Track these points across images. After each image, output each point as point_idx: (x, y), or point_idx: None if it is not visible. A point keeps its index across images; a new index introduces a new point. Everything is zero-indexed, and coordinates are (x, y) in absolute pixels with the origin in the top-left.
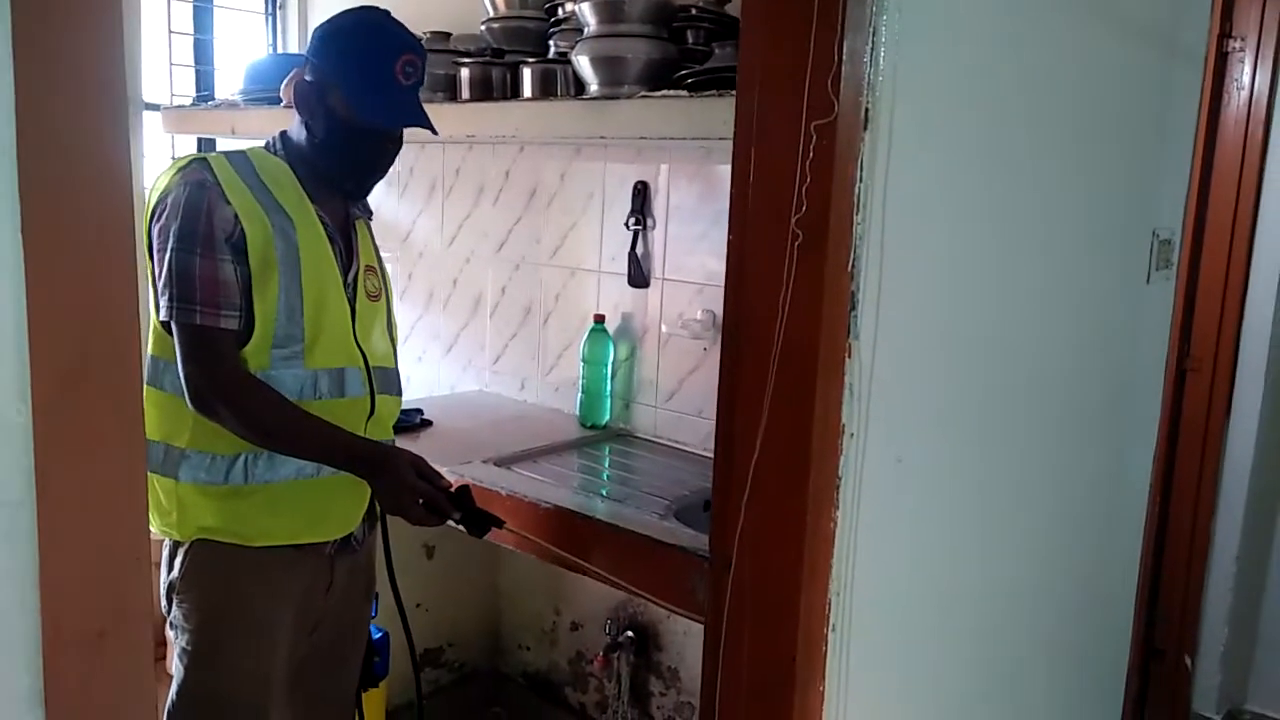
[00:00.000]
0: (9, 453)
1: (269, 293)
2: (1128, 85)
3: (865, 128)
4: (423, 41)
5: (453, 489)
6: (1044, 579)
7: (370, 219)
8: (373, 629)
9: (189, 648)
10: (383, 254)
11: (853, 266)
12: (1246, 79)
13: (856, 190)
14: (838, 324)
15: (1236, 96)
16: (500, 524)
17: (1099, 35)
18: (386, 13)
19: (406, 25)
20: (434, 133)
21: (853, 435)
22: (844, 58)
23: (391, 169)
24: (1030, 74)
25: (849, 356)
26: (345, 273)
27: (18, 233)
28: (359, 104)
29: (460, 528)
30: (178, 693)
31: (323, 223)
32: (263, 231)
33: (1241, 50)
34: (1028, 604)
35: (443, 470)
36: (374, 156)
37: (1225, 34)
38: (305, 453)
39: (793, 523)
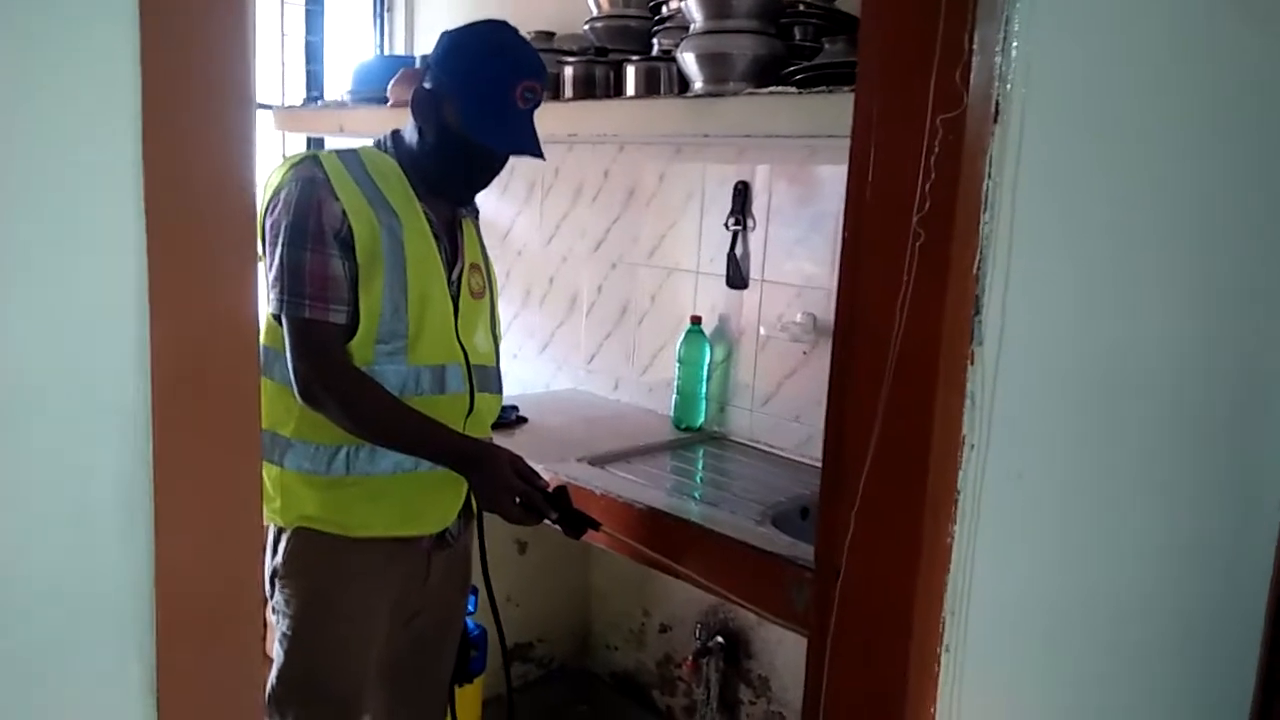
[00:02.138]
0: (127, 438)
1: (374, 288)
2: (1267, 69)
3: (995, 121)
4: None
5: (550, 489)
6: (1167, 604)
7: (477, 218)
8: (470, 624)
9: (289, 633)
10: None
11: (978, 268)
12: None
13: (985, 187)
14: (961, 329)
15: None
16: (596, 526)
17: (1235, 20)
18: (515, 31)
19: (516, 27)
20: (543, 159)
21: (973, 447)
22: (974, 48)
23: None
24: (1165, 65)
25: (971, 364)
26: (450, 270)
27: (142, 228)
28: (474, 123)
29: (556, 527)
30: (277, 677)
31: (429, 221)
32: (370, 228)
33: None
34: (1145, 632)
35: (538, 468)
36: (481, 172)
37: None
38: (405, 447)
39: (908, 535)
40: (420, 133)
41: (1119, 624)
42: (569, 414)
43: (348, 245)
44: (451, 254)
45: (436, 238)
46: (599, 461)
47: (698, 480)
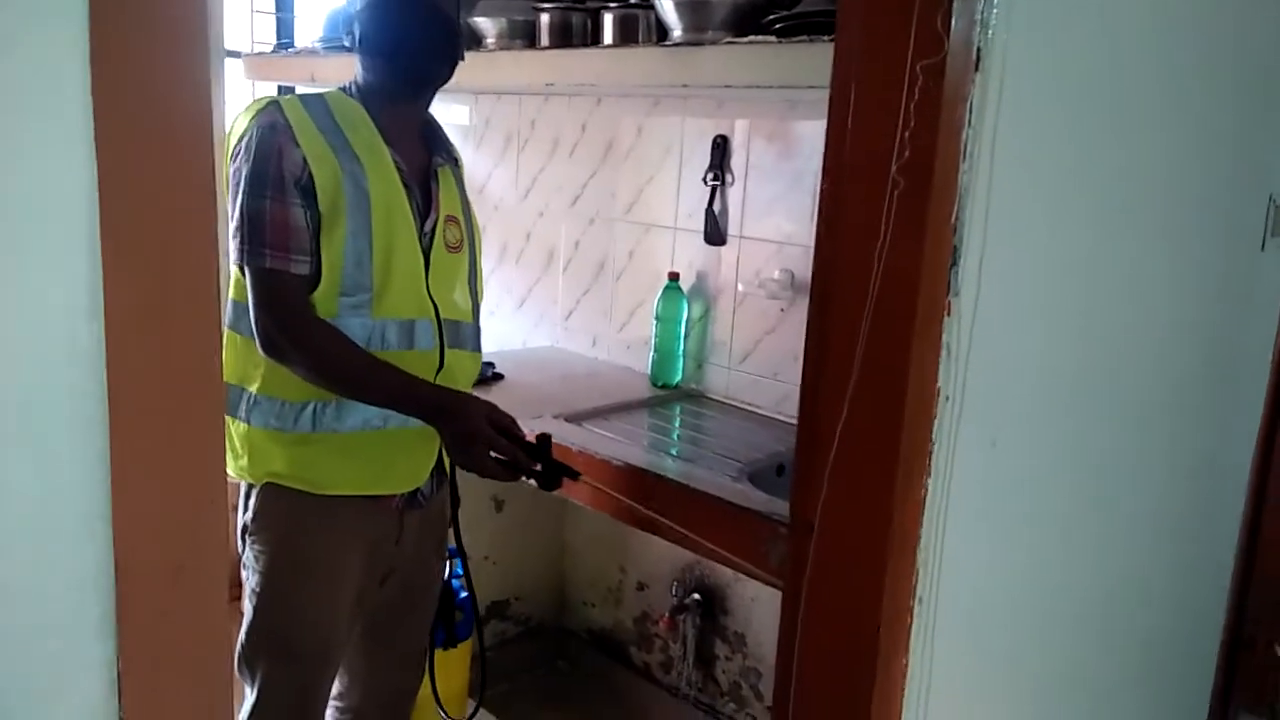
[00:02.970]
0: (77, 374)
1: (336, 238)
2: (1242, 40)
3: (976, 69)
4: None
5: (531, 439)
6: (1134, 564)
7: (458, 168)
8: (456, 586)
9: (257, 589)
10: None
11: (956, 218)
12: None
13: (964, 136)
14: (938, 279)
15: None
16: (576, 475)
17: None
18: None
19: None
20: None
21: (948, 399)
22: None
23: (468, 118)
24: (1145, 17)
25: (948, 315)
26: (422, 221)
27: (94, 173)
28: (384, 12)
29: (532, 481)
30: (246, 633)
31: (399, 169)
32: (332, 175)
33: None
34: (1116, 589)
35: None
36: (421, 35)
37: None
38: (373, 397)
39: (882, 488)
40: (360, 49)
41: (1089, 582)
42: (546, 371)
43: (309, 193)
44: (425, 204)
45: (407, 187)
46: (576, 418)
47: (675, 437)
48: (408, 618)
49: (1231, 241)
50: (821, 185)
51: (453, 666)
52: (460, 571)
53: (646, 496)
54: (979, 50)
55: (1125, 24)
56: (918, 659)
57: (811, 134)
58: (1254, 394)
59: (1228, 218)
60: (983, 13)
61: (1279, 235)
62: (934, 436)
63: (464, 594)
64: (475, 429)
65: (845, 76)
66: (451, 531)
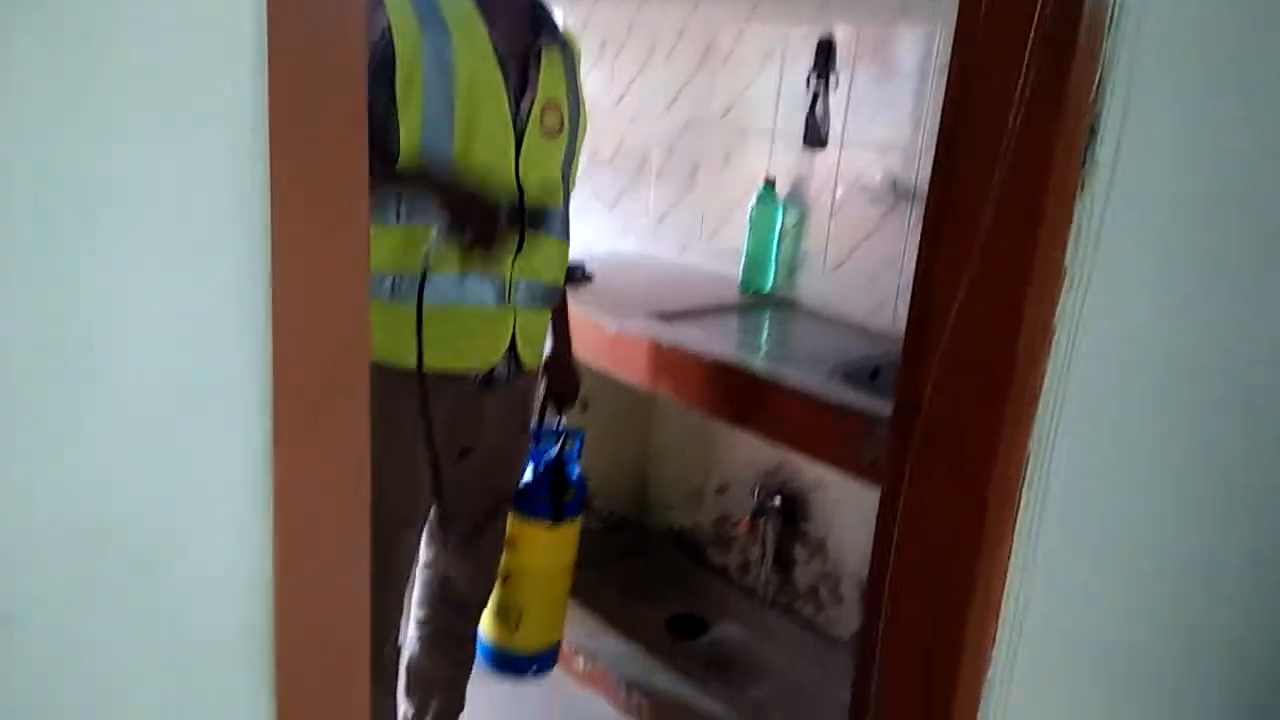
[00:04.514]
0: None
1: (412, 112)
2: None
3: None
4: None
5: None
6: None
7: (567, 52)
8: (573, 469)
9: None
10: None
11: (1098, 87)
12: None
13: (1110, 9)
14: (1072, 153)
15: None
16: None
17: None
18: None
19: None
20: None
21: (1073, 284)
22: None
23: (562, 22)
24: None
25: (1081, 190)
26: (517, 102)
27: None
28: None
29: None
30: None
31: (494, 46)
32: (413, 45)
33: None
34: (1219, 532)
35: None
36: None
37: None
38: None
39: (1000, 369)
40: None
41: (1186, 554)
42: (635, 274)
43: (386, 65)
44: (521, 86)
45: (502, 65)
46: (665, 317)
47: (764, 340)
48: (482, 491)
49: None
50: (947, 86)
51: (562, 542)
52: (577, 451)
53: (735, 394)
54: None
55: None
56: (1020, 553)
57: (920, 39)
58: None
59: None
60: None
61: None
62: (1055, 322)
63: (576, 475)
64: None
65: None
66: (577, 409)
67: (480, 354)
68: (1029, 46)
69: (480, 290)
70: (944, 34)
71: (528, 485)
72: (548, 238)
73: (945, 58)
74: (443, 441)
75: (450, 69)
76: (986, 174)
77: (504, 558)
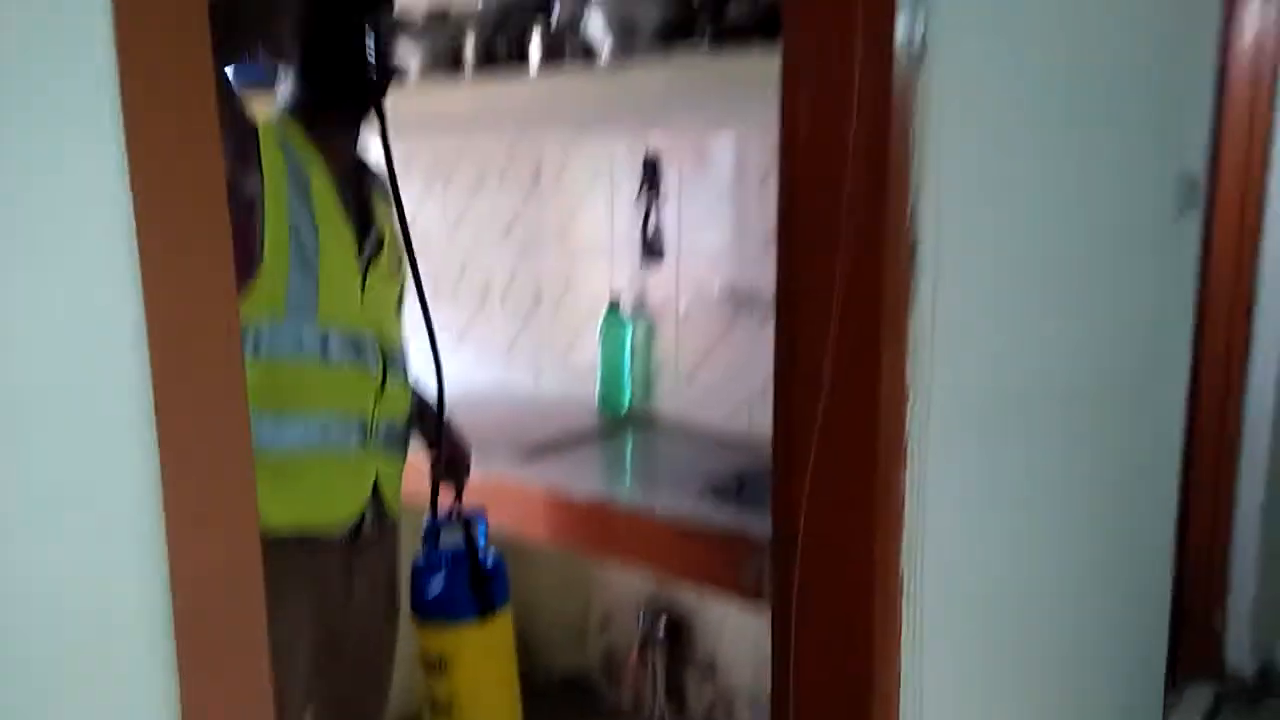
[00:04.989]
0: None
1: (277, 270)
2: (1151, 26)
3: (919, 72)
4: (421, 24)
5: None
6: (1089, 546)
7: (384, 191)
8: (487, 552)
9: None
10: None
11: (912, 212)
12: (1256, 10)
13: (911, 137)
14: (900, 277)
15: (1243, 34)
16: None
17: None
18: None
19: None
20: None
21: (917, 396)
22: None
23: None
24: (1067, 23)
25: (912, 311)
26: (360, 245)
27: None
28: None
29: None
30: None
31: (339, 195)
32: (280, 214)
33: None
34: (1075, 574)
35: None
36: (345, 44)
37: None
38: None
39: (863, 488)
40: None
41: (1054, 570)
42: (492, 408)
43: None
44: (360, 228)
45: (345, 208)
46: (528, 454)
47: (631, 464)
48: (369, 682)
49: (1154, 214)
50: (779, 197)
51: (499, 638)
52: (484, 532)
53: (610, 527)
54: (922, 53)
55: (1049, 31)
56: (909, 656)
57: (741, 145)
58: (1180, 358)
59: (1150, 192)
60: (925, 19)
61: (1190, 209)
62: (908, 433)
63: (493, 562)
64: None
65: (794, 81)
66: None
67: (348, 500)
68: (845, 183)
69: (343, 431)
70: (759, 137)
71: (442, 589)
72: (400, 381)
73: (762, 158)
74: (315, 640)
75: (314, 231)
76: (824, 305)
77: (436, 688)
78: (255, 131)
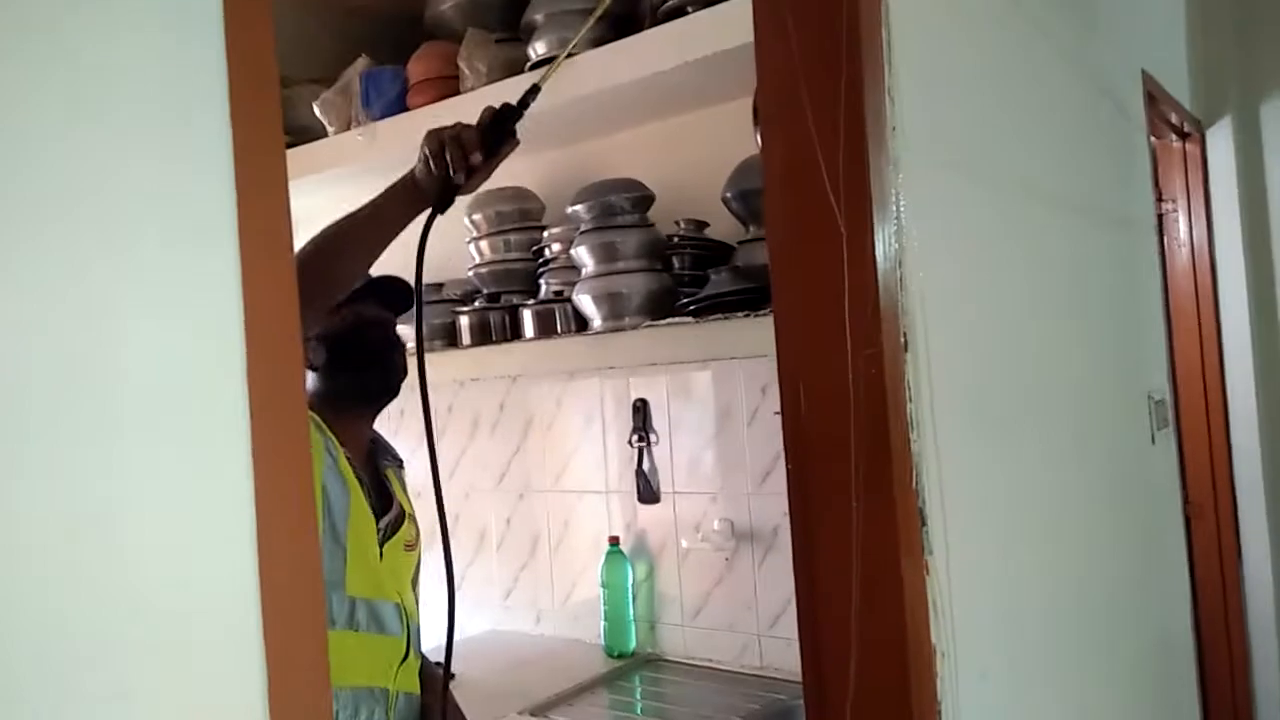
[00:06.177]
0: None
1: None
2: (1107, 262)
3: (905, 350)
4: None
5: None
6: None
7: (400, 468)
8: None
9: None
10: None
11: (916, 482)
12: (1184, 234)
13: (909, 411)
14: (913, 542)
15: (1179, 252)
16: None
17: (1081, 223)
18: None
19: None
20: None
21: (944, 654)
22: (879, 285)
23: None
24: (1031, 263)
25: (928, 574)
26: (379, 517)
27: None
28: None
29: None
30: None
31: (356, 474)
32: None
33: (1175, 210)
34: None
35: None
36: (371, 347)
37: (1158, 199)
38: (360, 234)
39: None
40: (314, 366)
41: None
42: (493, 659)
43: None
44: (382, 503)
45: (361, 484)
46: (539, 711)
47: (640, 711)
48: None
49: (1132, 436)
50: (787, 466)
51: None
52: None
53: None
54: (905, 336)
55: (1014, 270)
56: None
57: (725, 382)
58: (1178, 564)
59: (1124, 417)
60: (904, 303)
61: (1163, 428)
62: (939, 697)
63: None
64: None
65: (791, 360)
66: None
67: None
68: (852, 451)
69: (370, 702)
70: (743, 374)
71: None
72: (416, 648)
73: (749, 396)
74: None
75: (345, 504)
76: (844, 568)
77: None
78: None
